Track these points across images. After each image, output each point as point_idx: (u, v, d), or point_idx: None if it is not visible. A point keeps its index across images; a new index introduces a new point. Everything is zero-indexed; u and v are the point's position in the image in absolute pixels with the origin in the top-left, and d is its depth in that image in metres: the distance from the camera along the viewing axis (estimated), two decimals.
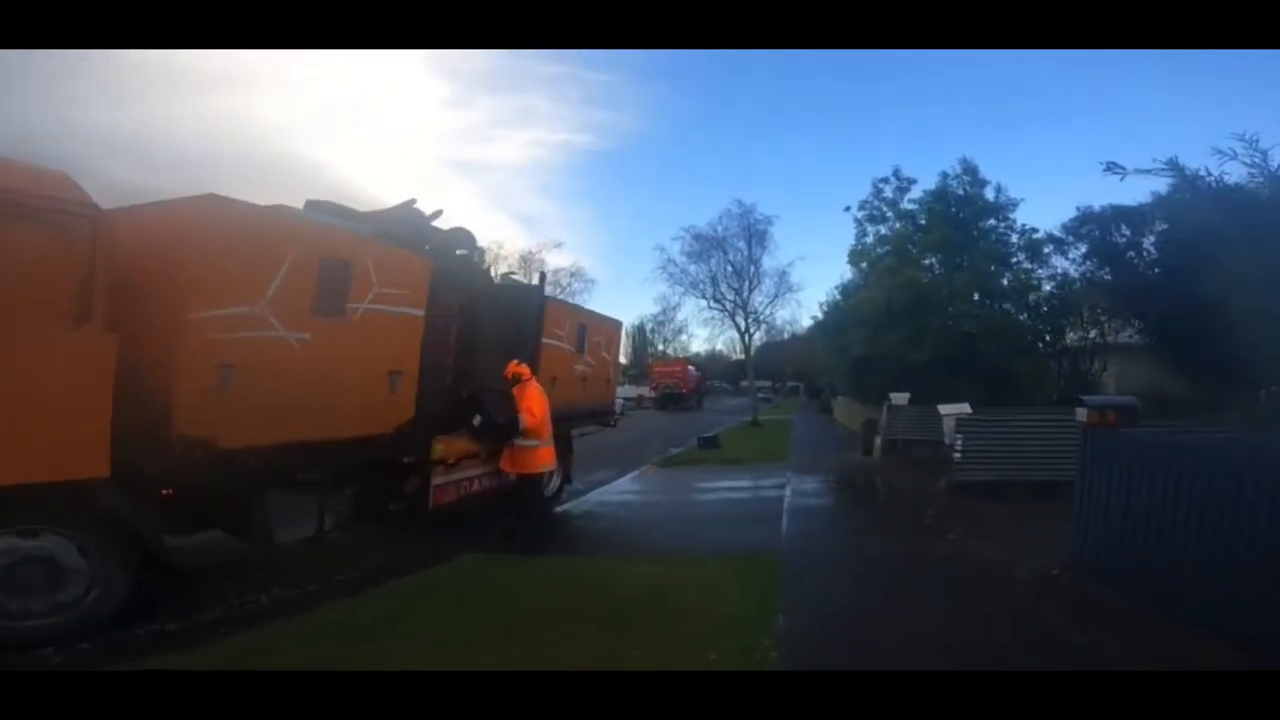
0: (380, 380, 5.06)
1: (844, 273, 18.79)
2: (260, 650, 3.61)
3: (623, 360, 58.45)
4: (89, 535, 3.65)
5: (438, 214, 6.28)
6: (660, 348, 55.57)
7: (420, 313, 5.39)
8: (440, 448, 5.74)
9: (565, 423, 8.05)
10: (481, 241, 7.11)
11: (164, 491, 3.81)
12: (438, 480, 5.76)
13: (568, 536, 6.77)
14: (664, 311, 39.36)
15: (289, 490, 4.61)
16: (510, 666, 3.06)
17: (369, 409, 4.96)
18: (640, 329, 57.91)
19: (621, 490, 9.47)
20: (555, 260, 41.74)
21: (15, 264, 3.22)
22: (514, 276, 7.67)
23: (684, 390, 37.69)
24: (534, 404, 6.20)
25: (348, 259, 4.72)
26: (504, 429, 6.07)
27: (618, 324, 9.98)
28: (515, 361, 6.39)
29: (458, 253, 6.55)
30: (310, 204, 5.80)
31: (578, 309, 9.37)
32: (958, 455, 8.46)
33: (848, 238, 16.27)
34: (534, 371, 6.94)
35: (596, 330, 8.79)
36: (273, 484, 4.51)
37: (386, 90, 59.81)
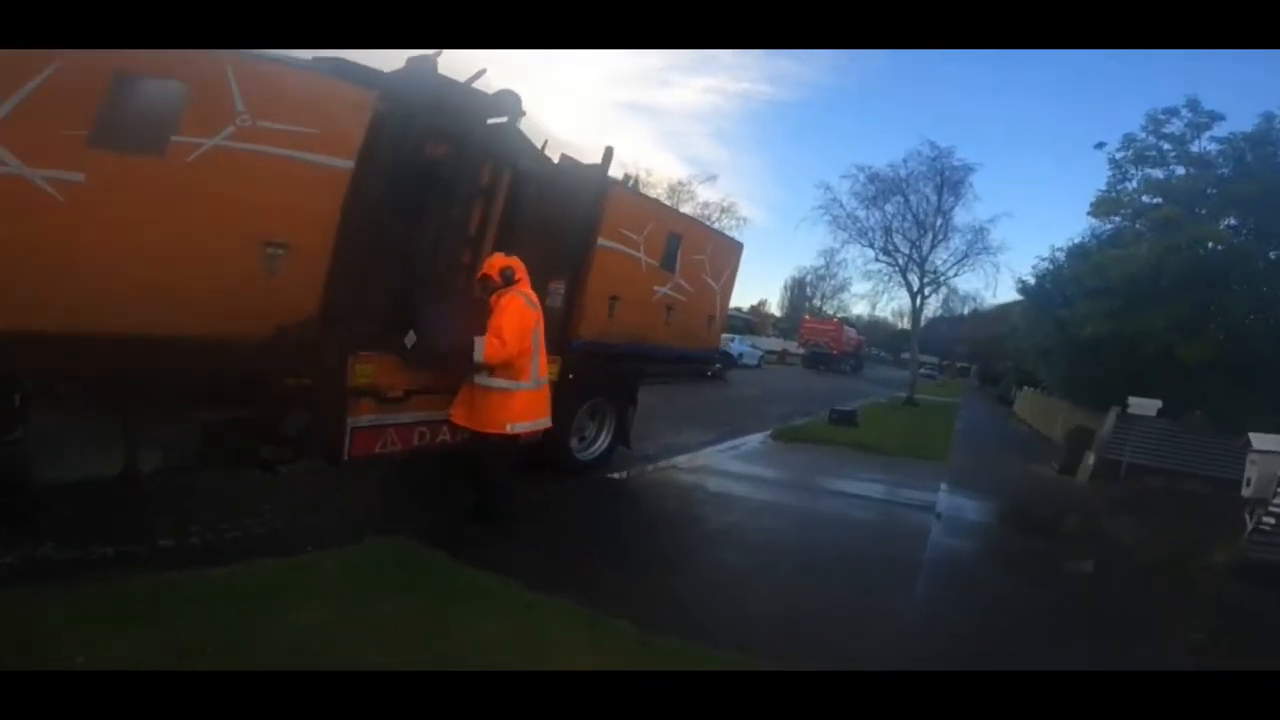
0: (238, 252, 3.22)
1: (1069, 236, 13.93)
2: None
3: (775, 311, 54.13)
4: None
5: (479, 74, 4.29)
6: (818, 304, 51.19)
7: (344, 164, 3.43)
8: (367, 370, 3.89)
9: (626, 362, 5.95)
10: (633, 169, 5.10)
11: None
12: (361, 420, 3.95)
13: (563, 530, 4.56)
14: (826, 265, 36.05)
15: (63, 407, 3.04)
16: None
17: (210, 294, 3.17)
18: (799, 282, 54.10)
19: (695, 468, 6.92)
20: (707, 195, 39.55)
21: None
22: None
23: (835, 351, 34.07)
24: (508, 323, 3.98)
25: (183, 77, 2.87)
26: (446, 357, 4.04)
27: (735, 245, 7.45)
28: (499, 254, 4.22)
29: (489, 121, 4.46)
30: (321, 60, 3.86)
31: (669, 210, 6.91)
32: (1270, 521, 5.20)
33: (1071, 201, 11.69)
34: (581, 280, 4.99)
35: (698, 245, 6.39)
36: (35, 395, 2.96)
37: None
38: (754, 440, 9.02)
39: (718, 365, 7.38)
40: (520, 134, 4.77)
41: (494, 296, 4.11)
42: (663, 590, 3.71)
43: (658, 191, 30.70)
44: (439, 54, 4.00)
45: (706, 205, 34.09)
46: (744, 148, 73.10)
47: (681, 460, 7.01)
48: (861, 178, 20.86)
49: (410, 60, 4.05)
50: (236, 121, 3.01)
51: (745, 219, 41.24)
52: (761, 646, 3.09)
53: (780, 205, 73.05)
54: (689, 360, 6.86)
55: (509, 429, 4.11)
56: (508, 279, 4.12)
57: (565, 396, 5.13)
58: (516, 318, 4.03)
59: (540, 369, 4.25)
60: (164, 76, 2.83)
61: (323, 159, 3.35)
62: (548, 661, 2.71)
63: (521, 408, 4.16)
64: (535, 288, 5.02)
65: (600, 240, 5.10)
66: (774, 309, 55.90)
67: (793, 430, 10.16)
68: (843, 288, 46.23)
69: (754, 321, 32.33)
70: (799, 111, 75.34)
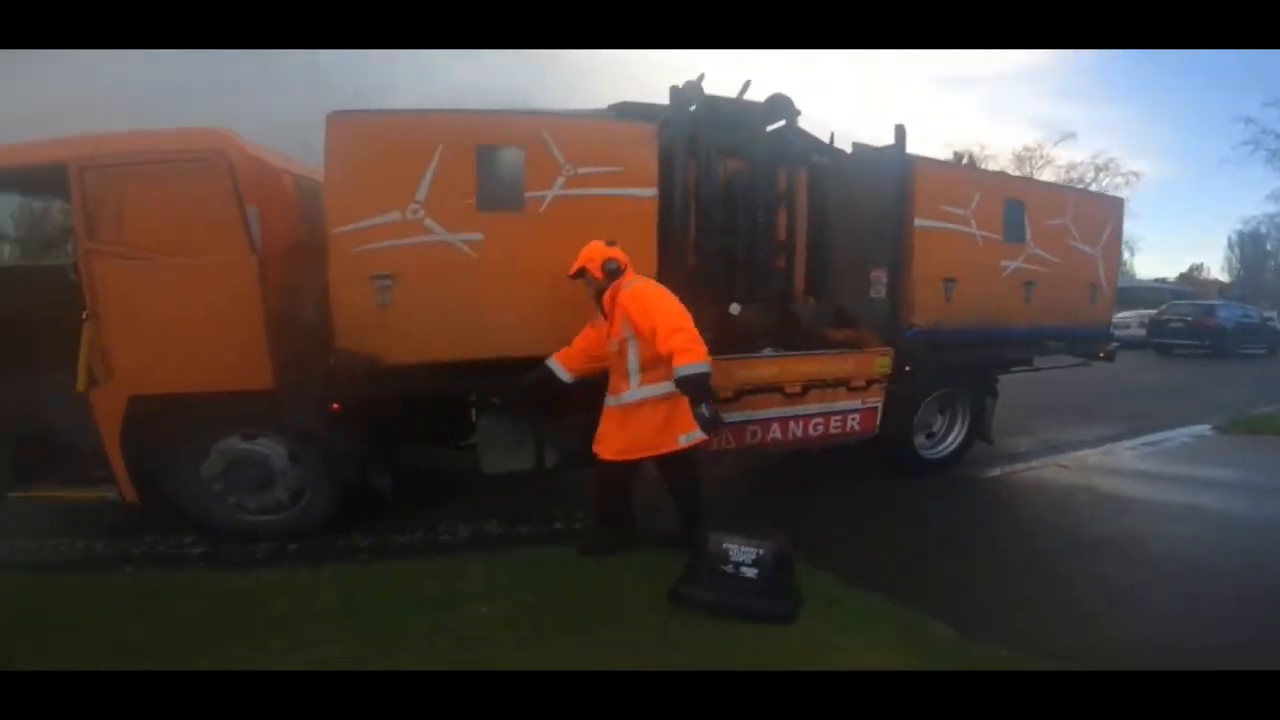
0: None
1: None
2: (427, 576, 3.45)
3: (1223, 277, 41.67)
4: (295, 443, 3.90)
5: (746, 86, 4.73)
6: None
7: (648, 192, 4.06)
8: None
9: (978, 348, 5.36)
10: (962, 146, 5.17)
11: (332, 406, 3.75)
12: None
13: (897, 530, 4.26)
14: None
15: (499, 416, 4.10)
16: None
17: (577, 316, 3.92)
18: (1248, 236, 41.12)
19: (1086, 467, 5.65)
20: (1070, 155, 32.41)
21: (175, 210, 3.54)
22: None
23: None
24: (671, 307, 3.36)
25: (517, 141, 3.82)
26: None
27: (1109, 201, 6.26)
28: (598, 244, 3.57)
29: (768, 128, 4.84)
30: (612, 107, 4.97)
31: (1001, 176, 6.13)
32: None
33: None
34: (904, 265, 4.78)
35: (1052, 209, 5.51)
36: (481, 408, 4.08)
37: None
38: (1180, 435, 6.99)
39: (1114, 345, 5.97)
40: (803, 133, 4.96)
41: (607, 296, 3.53)
42: (1000, 597, 3.31)
43: (1001, 163, 27.48)
44: (702, 76, 4.45)
45: (1073, 167, 29.99)
46: (1103, 96, 59.69)
47: (1068, 458, 5.86)
48: None
49: (677, 88, 4.45)
50: (563, 172, 3.86)
51: (1135, 174, 34.89)
52: None
53: (1178, 150, 59.07)
54: (1069, 339, 5.76)
55: (682, 440, 3.48)
56: (613, 272, 3.53)
57: (903, 390, 4.91)
58: (667, 297, 3.45)
59: None
60: (506, 145, 3.80)
61: (632, 191, 4.03)
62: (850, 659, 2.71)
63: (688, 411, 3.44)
64: (855, 281, 5.02)
65: (918, 221, 4.83)
66: (1216, 274, 43.80)
67: (1255, 420, 7.54)
68: None
69: (1190, 294, 24.08)
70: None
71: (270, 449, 3.89)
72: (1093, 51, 57.78)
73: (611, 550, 3.73)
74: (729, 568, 3.13)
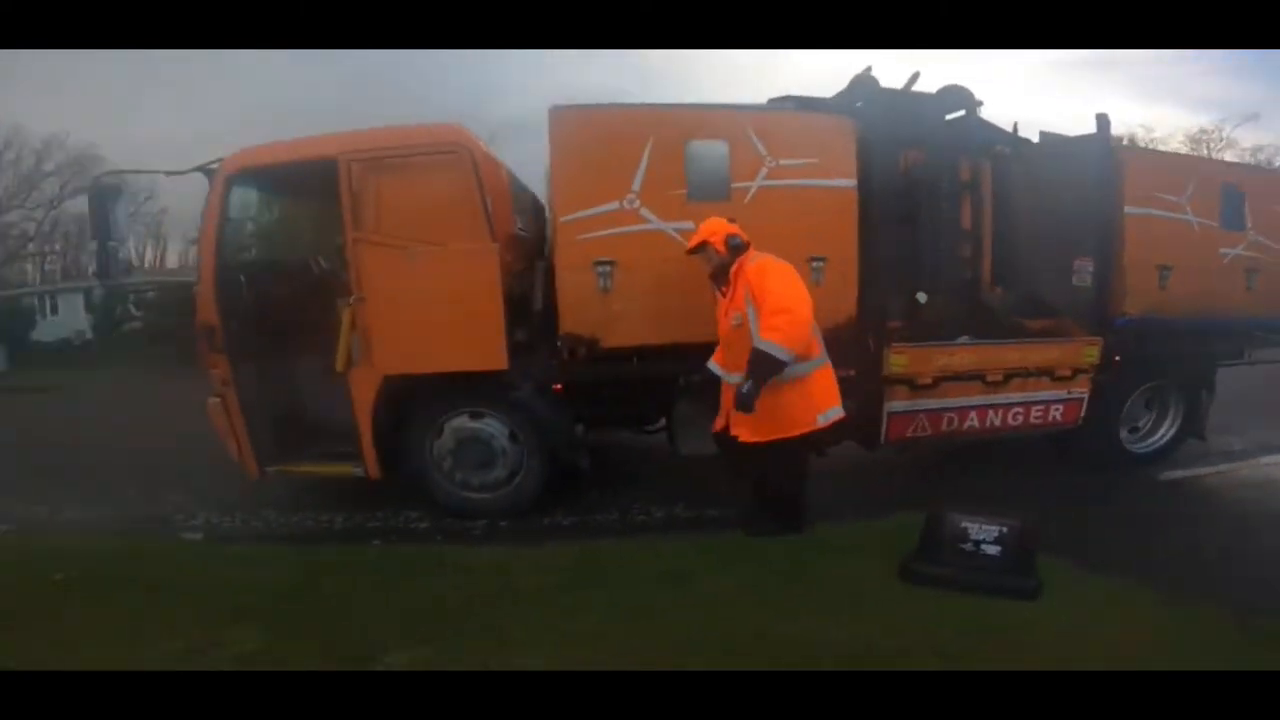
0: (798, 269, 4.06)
1: None
2: (612, 557, 3.55)
3: None
4: (517, 422, 4.18)
5: (914, 78, 4.73)
6: None
7: (846, 183, 4.13)
8: (901, 360, 4.26)
9: (1194, 340, 4.98)
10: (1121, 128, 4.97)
11: (555, 387, 4.02)
12: (897, 405, 4.31)
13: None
14: None
15: (697, 399, 4.22)
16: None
17: None
18: None
19: None
20: (1253, 138, 28.70)
21: (424, 201, 3.93)
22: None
23: None
24: (787, 288, 3.33)
25: (722, 135, 4.02)
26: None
27: None
28: (719, 219, 3.59)
29: (947, 117, 4.82)
30: (772, 100, 5.15)
31: (1214, 163, 5.82)
32: None
33: None
34: (1114, 253, 4.55)
35: (1274, 193, 5.07)
36: (681, 391, 4.23)
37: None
38: None
39: None
40: (985, 123, 4.89)
41: (733, 270, 3.51)
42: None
43: (1172, 146, 24.87)
44: (869, 69, 4.52)
45: (1259, 150, 26.15)
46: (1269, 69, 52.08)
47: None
48: None
49: (853, 80, 4.61)
50: (766, 164, 4.02)
51: None
52: None
53: None
54: None
55: (820, 420, 3.46)
56: (737, 247, 3.50)
57: (1111, 381, 4.69)
58: (789, 277, 3.40)
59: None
60: (713, 139, 4.00)
61: (831, 182, 4.12)
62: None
63: (826, 388, 3.52)
64: (1050, 270, 4.83)
65: (1128, 208, 4.59)
66: None
67: None
68: None
69: None
70: None
71: (495, 428, 4.19)
72: None
73: (775, 533, 3.65)
74: (968, 546, 3.10)
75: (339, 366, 4.05)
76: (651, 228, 3.93)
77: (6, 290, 23.39)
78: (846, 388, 4.18)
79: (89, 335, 22.75)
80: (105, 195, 3.99)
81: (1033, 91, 46.08)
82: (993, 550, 3.06)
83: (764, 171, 4.03)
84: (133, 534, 4.21)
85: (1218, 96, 51.63)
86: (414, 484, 4.31)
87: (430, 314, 3.89)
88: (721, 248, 3.52)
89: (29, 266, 31.80)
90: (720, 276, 3.58)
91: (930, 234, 4.70)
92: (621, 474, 5.03)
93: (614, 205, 3.90)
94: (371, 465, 4.17)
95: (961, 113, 4.84)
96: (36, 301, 25.38)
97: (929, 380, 4.35)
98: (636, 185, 3.90)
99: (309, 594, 3.17)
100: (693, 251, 3.62)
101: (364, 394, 4.05)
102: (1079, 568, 3.21)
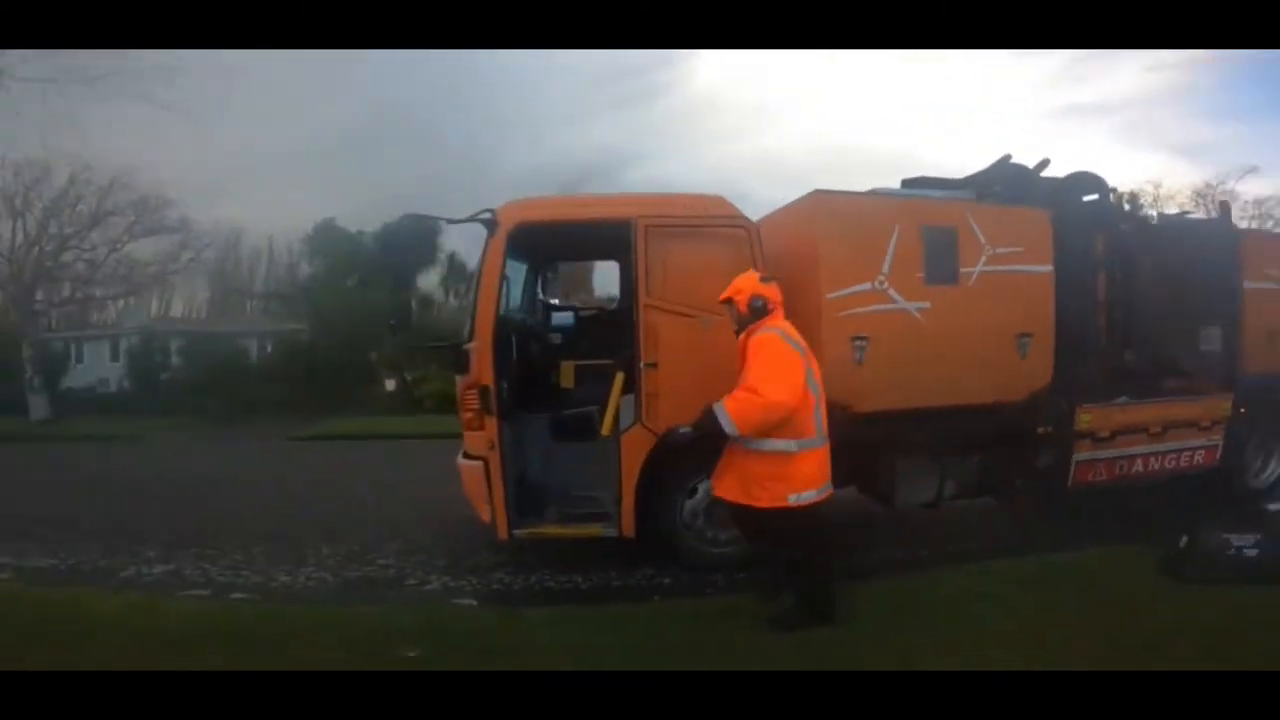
0: (1006, 344, 4.69)
1: None
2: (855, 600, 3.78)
3: None
4: None
5: (1044, 164, 5.45)
6: None
7: (1046, 269, 4.79)
8: (1088, 417, 4.92)
9: None
10: (1125, 184, 5.81)
11: None
12: (1082, 455, 4.96)
13: None
14: None
15: (913, 455, 4.73)
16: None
17: (995, 374, 4.67)
18: None
19: None
20: (1252, 189, 30.18)
21: (704, 270, 4.25)
22: (1188, 214, 5.88)
23: None
24: (770, 370, 3.28)
25: (951, 224, 4.61)
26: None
27: None
28: (751, 276, 3.61)
29: (1084, 199, 5.55)
30: (906, 181, 5.74)
31: None
32: None
33: None
34: (1238, 322, 5.26)
35: None
36: (900, 448, 4.71)
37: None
38: None
39: None
40: (1114, 205, 5.68)
41: (743, 335, 3.51)
42: None
43: (1180, 201, 25.28)
44: (1009, 156, 5.22)
45: (1260, 203, 26.84)
46: (1259, 114, 58.47)
47: None
48: None
49: (998, 163, 5.29)
50: (985, 251, 4.62)
51: None
52: None
53: None
54: None
55: (791, 500, 3.34)
56: (758, 310, 3.46)
57: (1238, 428, 5.55)
58: (779, 361, 3.31)
59: (825, 420, 3.53)
60: (946, 227, 4.56)
61: (1032, 267, 4.76)
62: None
63: (807, 472, 3.38)
64: (1177, 335, 5.54)
65: (1248, 283, 5.45)
66: None
67: None
68: None
69: None
70: None
71: None
72: (1235, 65, 57.92)
73: (799, 625, 3.46)
74: (1232, 552, 3.94)
75: (605, 430, 4.32)
76: (897, 307, 4.45)
77: (41, 334, 22.07)
78: (1041, 441, 4.83)
79: (115, 383, 22.79)
80: (408, 236, 4.14)
81: (1030, 135, 49.19)
82: (1252, 553, 3.99)
83: (984, 258, 4.63)
84: (415, 602, 4.26)
85: (1209, 144, 55.37)
86: (661, 543, 4.56)
87: (715, 380, 4.00)
88: (744, 307, 3.51)
89: (84, 309, 29.03)
90: (740, 333, 3.58)
91: (1076, 305, 5.37)
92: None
93: (867, 285, 4.40)
94: (629, 525, 4.38)
95: (1095, 195, 5.59)
96: (66, 347, 24.99)
97: (1107, 434, 5.02)
98: (886, 268, 4.42)
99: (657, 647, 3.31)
100: (721, 303, 3.67)
101: (634, 457, 4.31)
102: None
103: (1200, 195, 27.43)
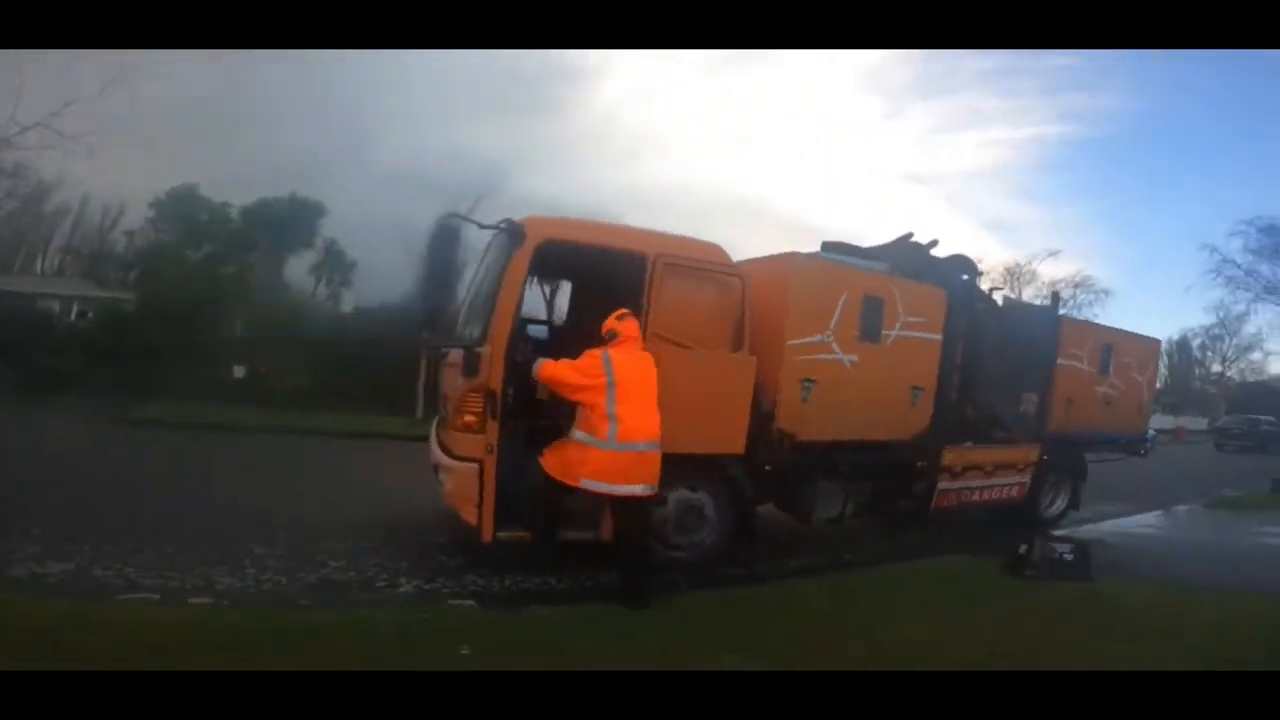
0: (904, 394, 5.96)
1: None
2: (785, 600, 4.70)
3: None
4: (720, 494, 5.24)
5: (934, 243, 6.81)
6: (1217, 369, 44.16)
7: (937, 336, 6.13)
8: (950, 456, 6.33)
9: (1081, 447, 7.84)
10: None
11: (765, 468, 5.30)
12: (943, 485, 6.37)
13: None
14: (1221, 323, 33.60)
15: (829, 479, 5.77)
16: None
17: (894, 417, 5.91)
18: (1182, 345, 45.14)
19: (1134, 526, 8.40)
20: (1052, 271, 36.32)
21: (701, 309, 4.96)
22: (1002, 292, 7.61)
23: None
24: (569, 365, 4.33)
25: (882, 294, 5.77)
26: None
27: (1154, 344, 9.09)
28: (621, 313, 4.48)
29: (962, 278, 7.04)
30: (826, 245, 6.63)
31: (1103, 329, 8.80)
32: None
33: None
34: (1049, 391, 6.99)
35: (1126, 351, 8.18)
36: (821, 473, 5.70)
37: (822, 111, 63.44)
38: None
39: (1148, 445, 8.77)
40: (978, 287, 7.24)
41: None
42: None
43: (993, 278, 28.26)
44: (911, 234, 6.63)
45: (1057, 282, 30.71)
46: (1056, 200, 68.53)
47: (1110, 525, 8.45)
48: (1252, 231, 19.34)
49: (900, 239, 6.62)
50: (900, 318, 5.82)
51: (1106, 291, 35.76)
52: None
53: (1126, 257, 65.80)
54: (1125, 443, 8.39)
55: (582, 484, 4.27)
56: (609, 338, 4.39)
57: (1040, 471, 7.29)
58: (580, 363, 4.29)
59: (629, 433, 4.21)
60: (878, 296, 5.68)
61: (929, 335, 6.07)
62: None
63: (597, 466, 4.23)
64: (1009, 399, 7.18)
65: (1060, 360, 7.23)
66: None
67: (1226, 500, 10.91)
68: (1250, 347, 40.84)
69: None
70: (1110, 148, 68.59)
71: (705, 499, 5.25)
72: (1044, 152, 67.14)
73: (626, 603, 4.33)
74: (1056, 556, 5.36)
75: None
76: (835, 357, 5.48)
77: None
78: (918, 473, 6.11)
79: None
80: (447, 237, 4.41)
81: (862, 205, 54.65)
82: (1070, 557, 5.42)
83: (899, 324, 5.82)
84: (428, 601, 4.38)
85: (1016, 222, 64.16)
86: (628, 545, 4.98)
87: (697, 405, 4.78)
88: (603, 333, 4.43)
89: None
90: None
91: (946, 369, 6.80)
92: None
93: (818, 338, 5.38)
94: (609, 530, 4.74)
95: (966, 276, 7.09)
96: None
97: (960, 469, 6.46)
98: (832, 324, 5.44)
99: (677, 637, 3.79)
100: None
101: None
102: None
103: (1010, 273, 31.79)
